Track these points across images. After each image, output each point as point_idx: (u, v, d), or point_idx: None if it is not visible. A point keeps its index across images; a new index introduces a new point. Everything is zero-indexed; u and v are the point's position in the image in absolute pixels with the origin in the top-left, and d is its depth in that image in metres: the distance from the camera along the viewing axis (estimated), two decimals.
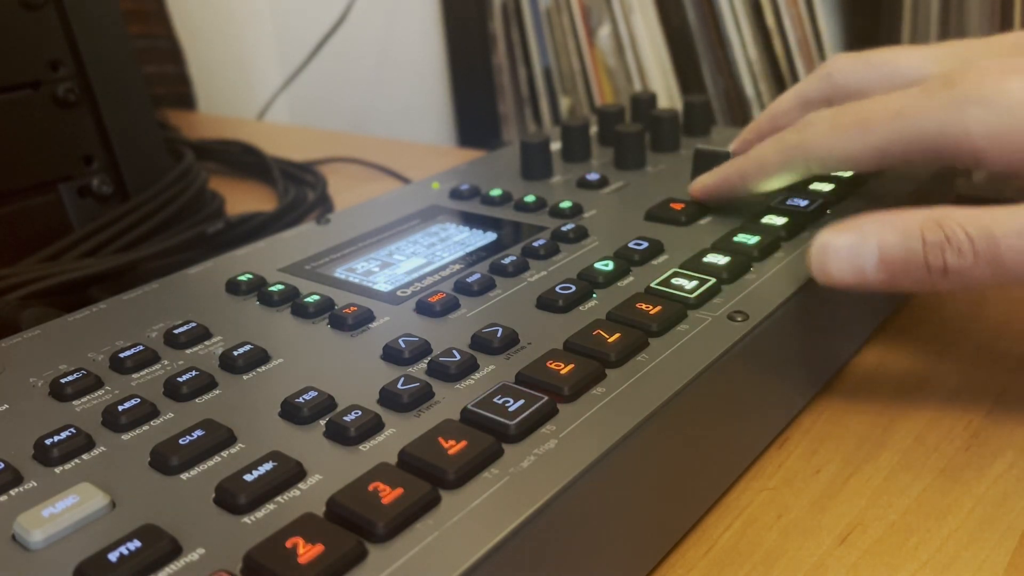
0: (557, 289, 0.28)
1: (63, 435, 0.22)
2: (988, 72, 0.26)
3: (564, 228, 0.33)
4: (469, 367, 0.24)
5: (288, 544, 0.18)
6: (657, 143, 0.43)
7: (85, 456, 0.22)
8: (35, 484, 0.21)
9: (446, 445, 0.20)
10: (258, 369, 0.26)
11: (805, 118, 0.31)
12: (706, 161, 0.36)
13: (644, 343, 0.25)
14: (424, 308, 0.28)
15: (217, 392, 0.25)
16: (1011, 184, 0.28)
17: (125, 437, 0.23)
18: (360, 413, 0.22)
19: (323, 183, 0.59)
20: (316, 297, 0.29)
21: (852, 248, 0.26)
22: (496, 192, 0.38)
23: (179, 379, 0.25)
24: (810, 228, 0.32)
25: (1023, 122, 0.25)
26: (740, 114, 0.94)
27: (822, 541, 0.24)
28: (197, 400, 0.24)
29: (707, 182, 0.35)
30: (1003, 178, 0.28)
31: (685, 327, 0.26)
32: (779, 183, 0.32)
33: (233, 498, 0.20)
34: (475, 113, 1.17)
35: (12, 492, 0.21)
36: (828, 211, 0.33)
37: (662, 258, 0.31)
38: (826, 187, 0.35)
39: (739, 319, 0.26)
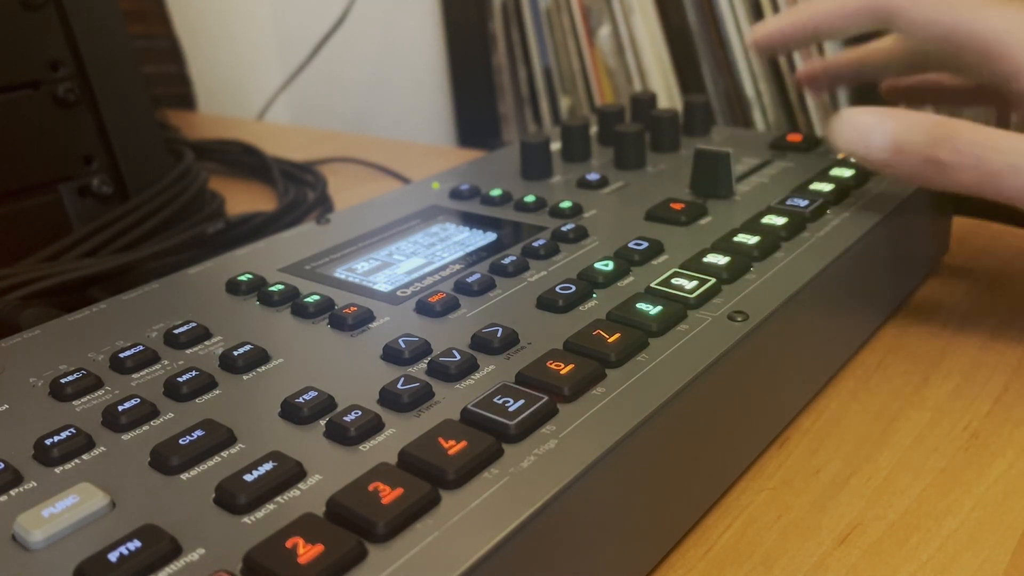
0: (557, 289, 0.28)
1: (63, 435, 0.22)
2: None
3: (564, 228, 0.33)
4: (469, 367, 0.24)
5: (288, 544, 0.18)
6: (657, 143, 0.43)
7: (85, 456, 0.22)
8: (35, 484, 0.21)
9: (446, 445, 0.20)
10: (258, 369, 0.26)
11: None
12: (707, 161, 0.36)
13: (644, 343, 0.25)
14: (424, 308, 0.28)
15: (217, 392, 0.25)
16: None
17: (125, 437, 0.23)
18: (360, 413, 0.22)
19: (323, 183, 0.59)
20: (316, 297, 0.29)
21: (868, 123, 0.31)
22: (496, 192, 0.38)
23: (179, 379, 0.25)
24: (810, 228, 0.32)
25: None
26: (740, 114, 0.94)
27: (822, 541, 0.24)
28: (197, 400, 0.24)
29: (771, 27, 0.36)
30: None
31: (685, 327, 0.26)
32: (846, 34, 0.35)
33: (233, 498, 0.20)
34: (475, 113, 1.17)
35: (12, 492, 0.21)
36: (828, 211, 0.33)
37: (662, 258, 0.31)
38: (826, 187, 0.35)
39: (739, 319, 0.26)
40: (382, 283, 0.31)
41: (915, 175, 0.30)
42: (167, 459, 0.21)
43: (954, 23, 0.32)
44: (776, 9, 0.88)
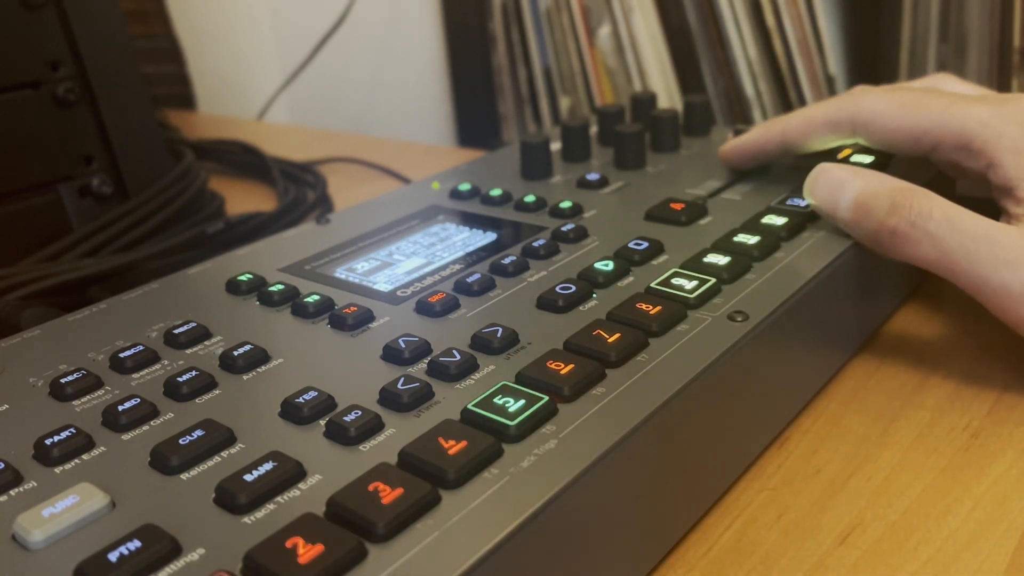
0: (557, 289, 0.28)
1: (63, 435, 0.22)
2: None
3: (564, 228, 0.33)
4: (469, 367, 0.24)
5: (288, 544, 0.18)
6: (657, 143, 0.43)
7: (85, 456, 0.22)
8: (35, 484, 0.21)
9: (446, 445, 0.20)
10: (258, 369, 0.26)
11: (858, 88, 0.35)
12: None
13: (644, 343, 0.25)
14: (424, 308, 0.28)
15: (217, 392, 0.25)
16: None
17: (125, 437, 0.23)
18: (360, 413, 0.22)
19: (323, 183, 0.59)
20: (316, 297, 0.29)
21: (840, 179, 0.31)
22: (496, 192, 0.38)
23: (179, 379, 0.25)
24: (810, 228, 0.32)
25: None
26: (740, 114, 0.94)
27: (822, 541, 0.24)
28: (197, 400, 0.24)
29: (743, 140, 0.37)
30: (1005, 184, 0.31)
31: (685, 327, 0.26)
32: (819, 145, 0.35)
33: (233, 498, 0.20)
34: (475, 113, 1.16)
35: (12, 492, 0.21)
36: None
37: (662, 258, 0.31)
38: None
39: (739, 319, 0.26)
40: (382, 283, 0.31)
41: (872, 241, 0.30)
42: (167, 459, 0.21)
43: (929, 125, 0.31)
44: (776, 9, 0.88)
